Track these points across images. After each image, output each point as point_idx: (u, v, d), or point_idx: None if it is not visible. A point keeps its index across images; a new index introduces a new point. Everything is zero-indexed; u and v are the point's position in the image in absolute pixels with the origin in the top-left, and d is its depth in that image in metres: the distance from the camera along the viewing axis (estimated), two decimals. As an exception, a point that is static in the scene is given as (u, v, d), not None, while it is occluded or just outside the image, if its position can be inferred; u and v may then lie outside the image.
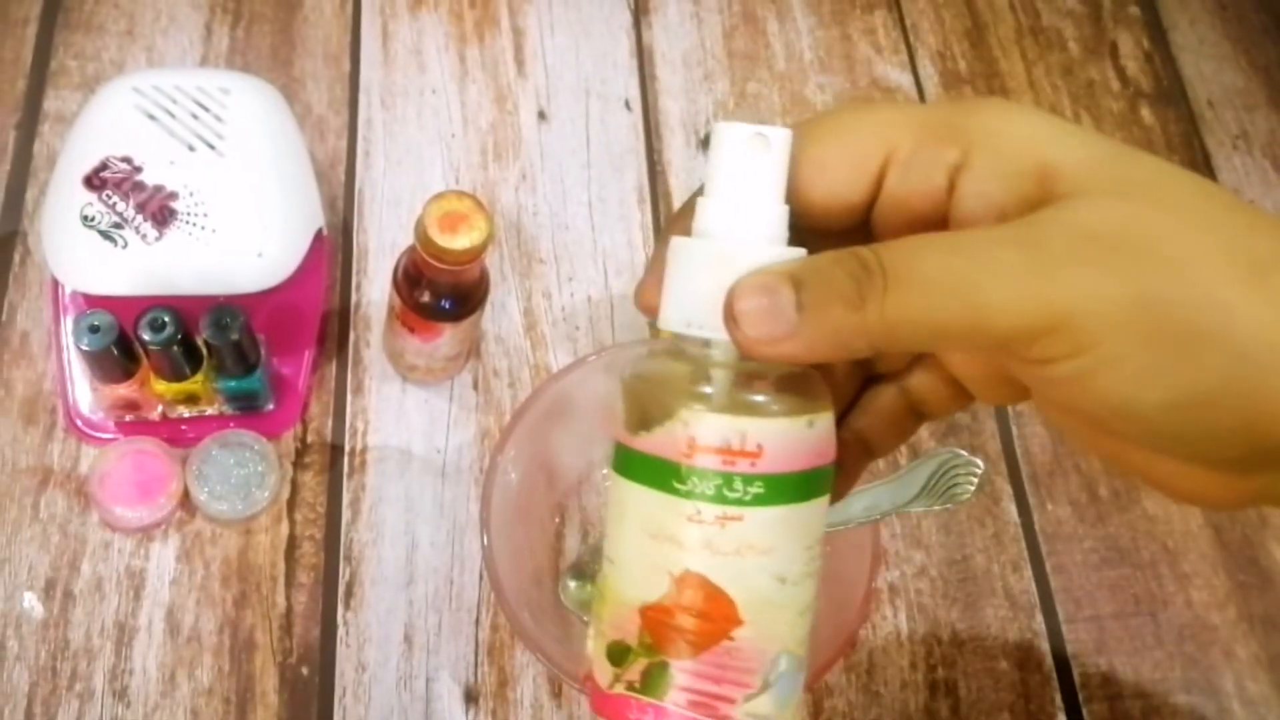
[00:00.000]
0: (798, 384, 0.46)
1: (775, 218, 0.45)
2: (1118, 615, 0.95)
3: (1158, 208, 0.40)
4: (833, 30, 1.22)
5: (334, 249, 1.03)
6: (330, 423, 0.96)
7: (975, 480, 0.76)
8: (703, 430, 0.43)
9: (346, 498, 0.94)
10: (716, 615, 0.45)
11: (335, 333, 1.00)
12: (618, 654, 0.46)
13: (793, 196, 0.45)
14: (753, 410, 0.44)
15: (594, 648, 0.47)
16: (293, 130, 0.97)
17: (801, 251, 0.44)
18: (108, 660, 0.86)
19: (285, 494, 0.93)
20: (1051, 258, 0.39)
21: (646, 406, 0.45)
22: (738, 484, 0.43)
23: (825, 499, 0.47)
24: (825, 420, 0.46)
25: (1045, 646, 0.93)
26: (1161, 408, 0.40)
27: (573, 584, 0.89)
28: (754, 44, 1.20)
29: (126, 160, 0.88)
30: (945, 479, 0.77)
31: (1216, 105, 1.22)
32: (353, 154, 1.09)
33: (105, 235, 0.85)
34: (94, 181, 0.87)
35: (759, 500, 0.44)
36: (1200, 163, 1.18)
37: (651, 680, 0.45)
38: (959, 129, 0.43)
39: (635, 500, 0.45)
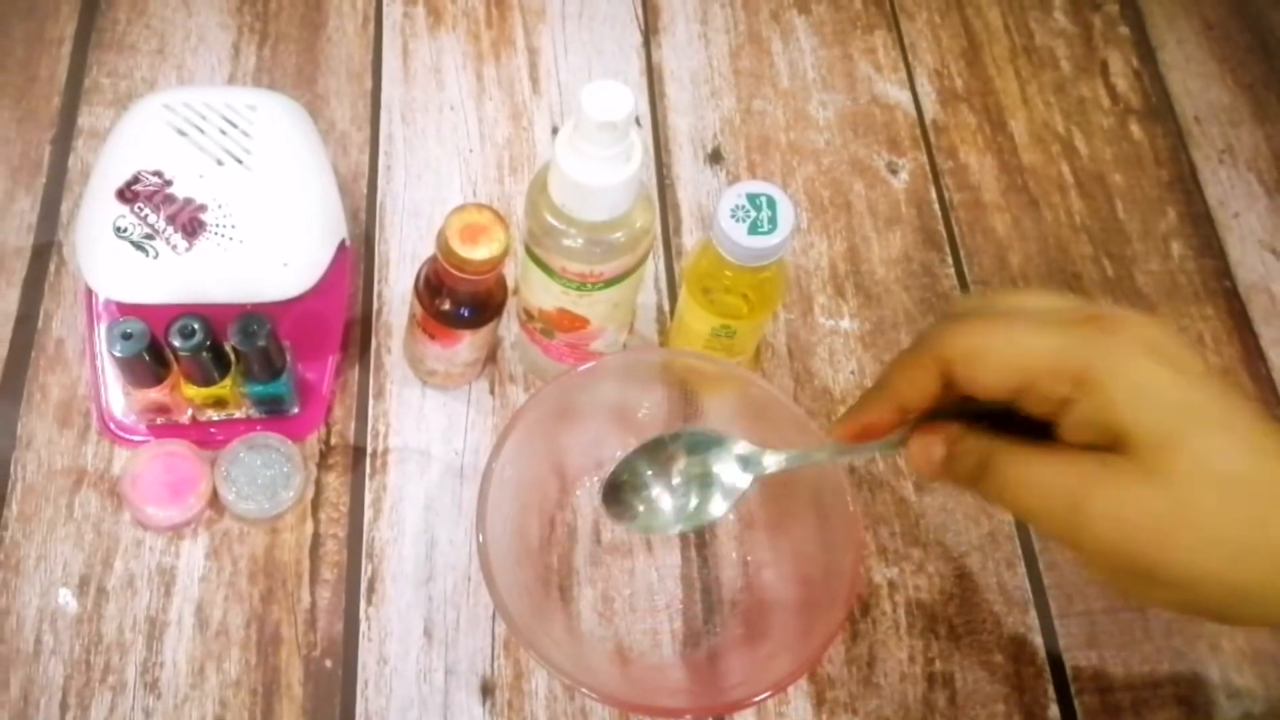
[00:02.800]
0: None
1: None
2: (1108, 610, 0.94)
3: (1169, 494, 0.52)
4: (834, 50, 1.22)
5: (356, 259, 1.03)
6: (353, 425, 0.96)
7: None
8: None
9: (368, 498, 0.93)
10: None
11: (358, 339, 1.00)
12: None
13: (949, 384, 0.59)
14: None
15: None
16: (317, 145, 0.97)
17: None
18: (139, 654, 0.86)
19: (310, 494, 0.93)
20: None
21: None
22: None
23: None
24: None
25: (1038, 641, 0.93)
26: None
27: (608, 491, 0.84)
28: (759, 63, 1.20)
29: (158, 174, 0.87)
30: None
31: (1203, 121, 1.22)
32: (374, 168, 1.08)
33: (137, 246, 0.85)
34: (126, 194, 0.87)
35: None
36: (1187, 176, 1.17)
37: None
38: (1077, 374, 0.53)
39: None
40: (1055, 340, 0.54)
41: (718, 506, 0.79)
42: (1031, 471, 0.55)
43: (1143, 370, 0.52)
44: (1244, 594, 0.53)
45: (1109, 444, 0.53)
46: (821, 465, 0.81)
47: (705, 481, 0.79)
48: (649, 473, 0.82)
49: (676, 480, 0.81)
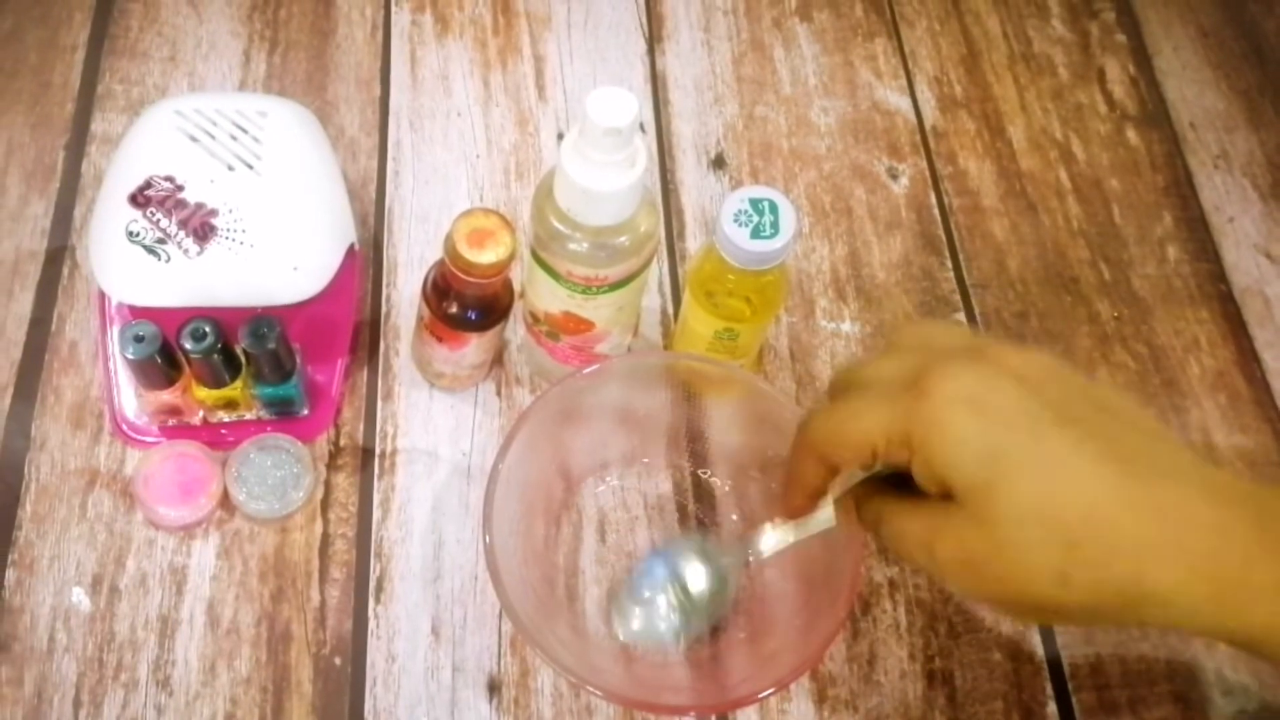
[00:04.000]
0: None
1: None
2: (1105, 609, 0.94)
3: (985, 529, 0.57)
4: (835, 57, 1.22)
5: (365, 263, 1.03)
6: (362, 427, 0.96)
7: None
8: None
9: (377, 498, 0.93)
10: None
11: (366, 342, 1.00)
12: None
13: (822, 459, 0.65)
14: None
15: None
16: (326, 151, 0.97)
17: None
18: (151, 651, 0.86)
19: (319, 494, 0.93)
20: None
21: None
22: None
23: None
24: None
25: (1036, 639, 0.93)
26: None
27: (619, 617, 0.88)
28: (761, 70, 1.20)
29: (169, 179, 0.87)
30: None
31: (1198, 127, 1.22)
32: (383, 173, 1.08)
33: (149, 250, 0.85)
34: (138, 199, 0.87)
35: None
36: (1183, 181, 1.17)
37: None
38: (911, 438, 0.58)
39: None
40: (884, 414, 0.60)
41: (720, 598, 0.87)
42: (902, 524, 0.62)
43: (953, 426, 0.57)
44: (1089, 610, 0.58)
45: (946, 493, 0.59)
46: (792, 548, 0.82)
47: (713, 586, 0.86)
48: (658, 595, 0.87)
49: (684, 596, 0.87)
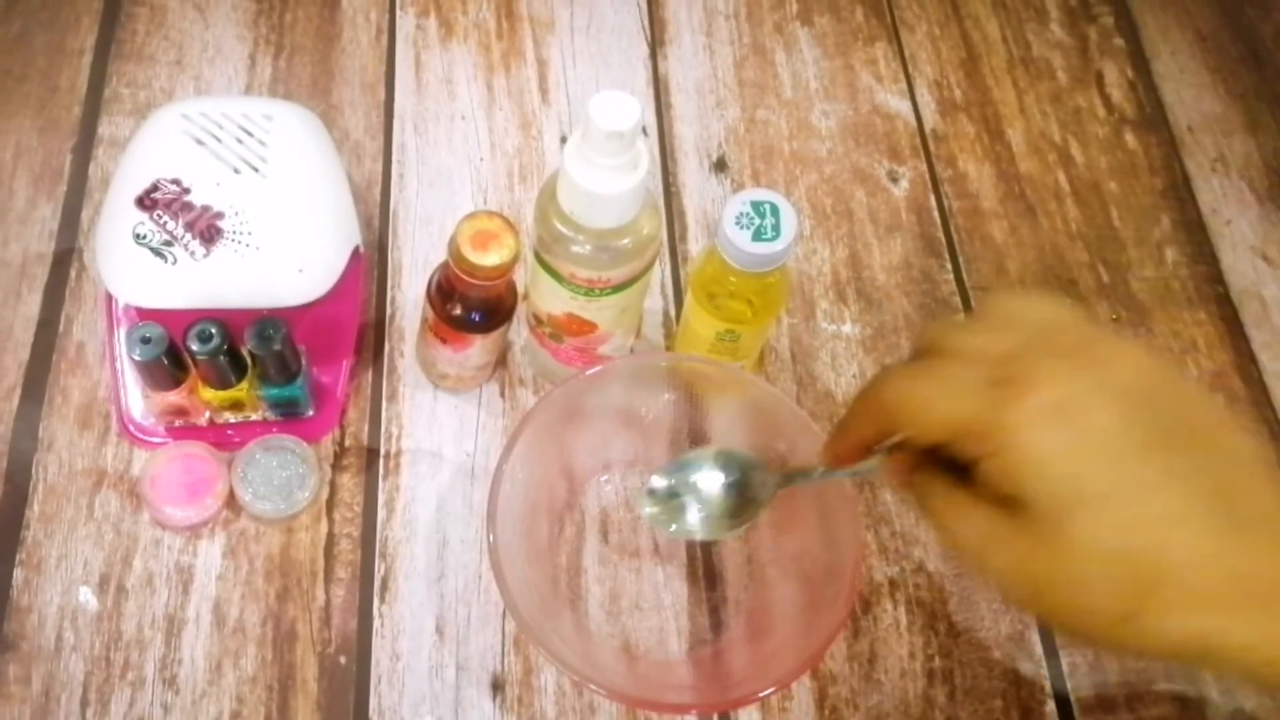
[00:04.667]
0: None
1: None
2: (1104, 609, 0.94)
3: (1052, 548, 0.54)
4: (836, 61, 1.22)
5: (370, 265, 1.03)
6: (366, 428, 0.96)
7: None
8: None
9: (382, 498, 0.93)
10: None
11: (371, 343, 1.00)
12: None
13: (887, 419, 0.61)
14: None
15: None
16: (331, 154, 0.97)
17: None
18: (158, 650, 0.86)
19: (324, 494, 0.93)
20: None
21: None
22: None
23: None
24: None
25: (1035, 637, 0.93)
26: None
27: (651, 493, 0.87)
28: (763, 73, 1.20)
29: (176, 182, 0.87)
30: None
31: (1196, 130, 1.22)
32: (387, 176, 1.09)
33: (156, 252, 0.85)
34: (145, 202, 0.87)
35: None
36: (1181, 184, 1.17)
37: None
38: (992, 436, 0.54)
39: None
40: (969, 404, 0.55)
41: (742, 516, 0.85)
42: (957, 517, 0.59)
43: (1039, 441, 0.53)
44: (1149, 651, 0.55)
45: (1014, 501, 0.55)
46: (822, 481, 0.82)
47: (739, 493, 0.85)
48: (691, 480, 0.86)
49: (714, 490, 0.85)
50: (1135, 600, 0.53)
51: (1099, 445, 0.53)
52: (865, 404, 0.62)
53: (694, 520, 0.85)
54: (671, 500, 0.85)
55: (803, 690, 0.89)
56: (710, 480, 0.85)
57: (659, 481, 0.86)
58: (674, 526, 0.85)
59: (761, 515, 0.83)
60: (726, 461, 0.85)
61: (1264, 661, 0.52)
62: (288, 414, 0.94)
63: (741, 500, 0.84)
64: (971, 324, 0.61)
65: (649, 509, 0.86)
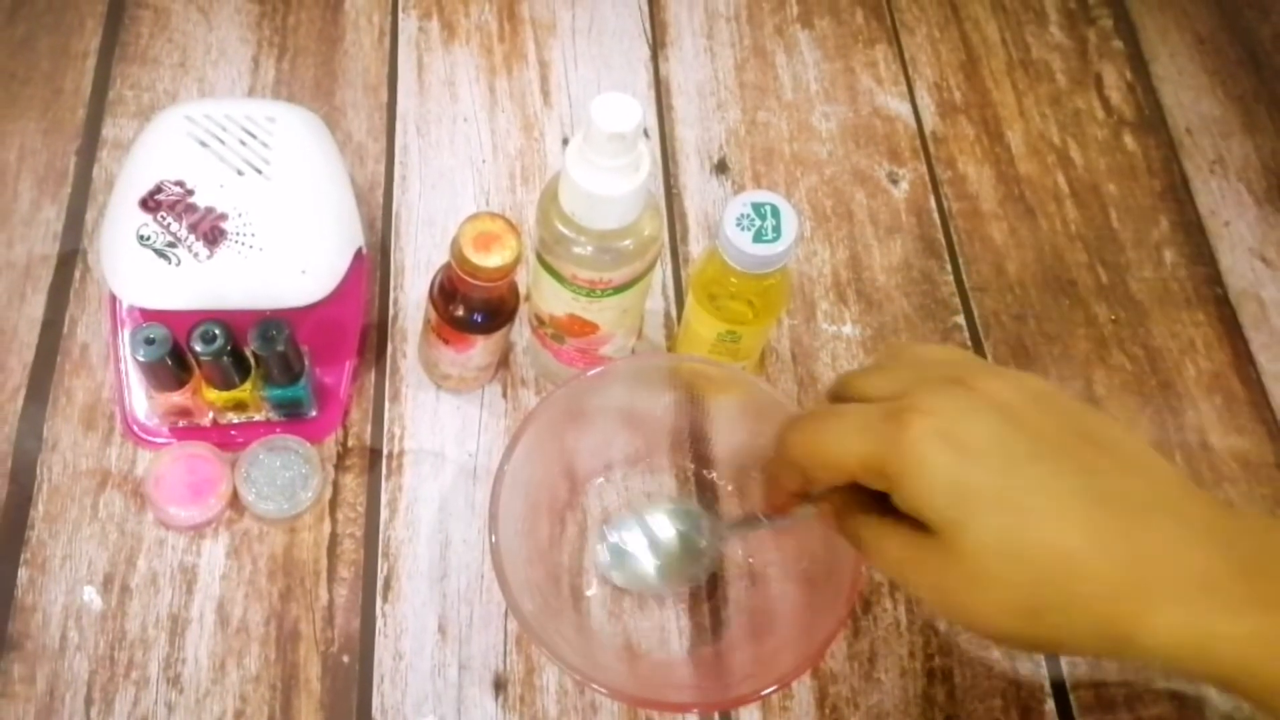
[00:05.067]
0: None
1: None
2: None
3: (958, 564, 0.57)
4: (836, 63, 1.22)
5: (373, 266, 1.03)
6: (369, 428, 0.96)
7: None
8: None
9: (384, 498, 0.93)
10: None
11: (374, 344, 1.00)
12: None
13: (798, 471, 0.64)
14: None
15: None
16: (334, 156, 0.97)
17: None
18: (162, 650, 0.86)
19: (327, 495, 0.93)
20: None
21: None
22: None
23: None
24: None
25: (1035, 637, 0.93)
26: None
27: (604, 549, 0.91)
28: (763, 76, 1.20)
29: (180, 184, 0.88)
30: None
31: (1194, 132, 1.22)
32: (390, 178, 1.09)
33: (160, 254, 0.85)
34: (149, 203, 0.87)
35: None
36: (1179, 186, 1.17)
37: None
38: (882, 473, 0.58)
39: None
40: (861, 442, 0.59)
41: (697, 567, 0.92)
42: (880, 543, 0.61)
43: (925, 463, 0.56)
44: (1063, 645, 0.59)
45: (923, 522, 0.58)
46: (771, 528, 0.88)
47: (688, 547, 0.91)
48: (646, 540, 0.92)
49: (667, 550, 0.91)
50: (1032, 595, 0.55)
51: (980, 457, 0.56)
52: (779, 460, 0.65)
53: (649, 571, 0.90)
54: (625, 553, 0.91)
55: (803, 689, 0.89)
56: (662, 529, 0.91)
57: (612, 535, 0.91)
58: (629, 578, 0.91)
59: (712, 566, 0.91)
60: (676, 514, 0.92)
61: (1179, 645, 0.53)
62: (291, 414, 0.94)
63: (693, 551, 0.90)
64: (868, 370, 0.65)
65: (603, 559, 0.91)
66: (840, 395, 0.65)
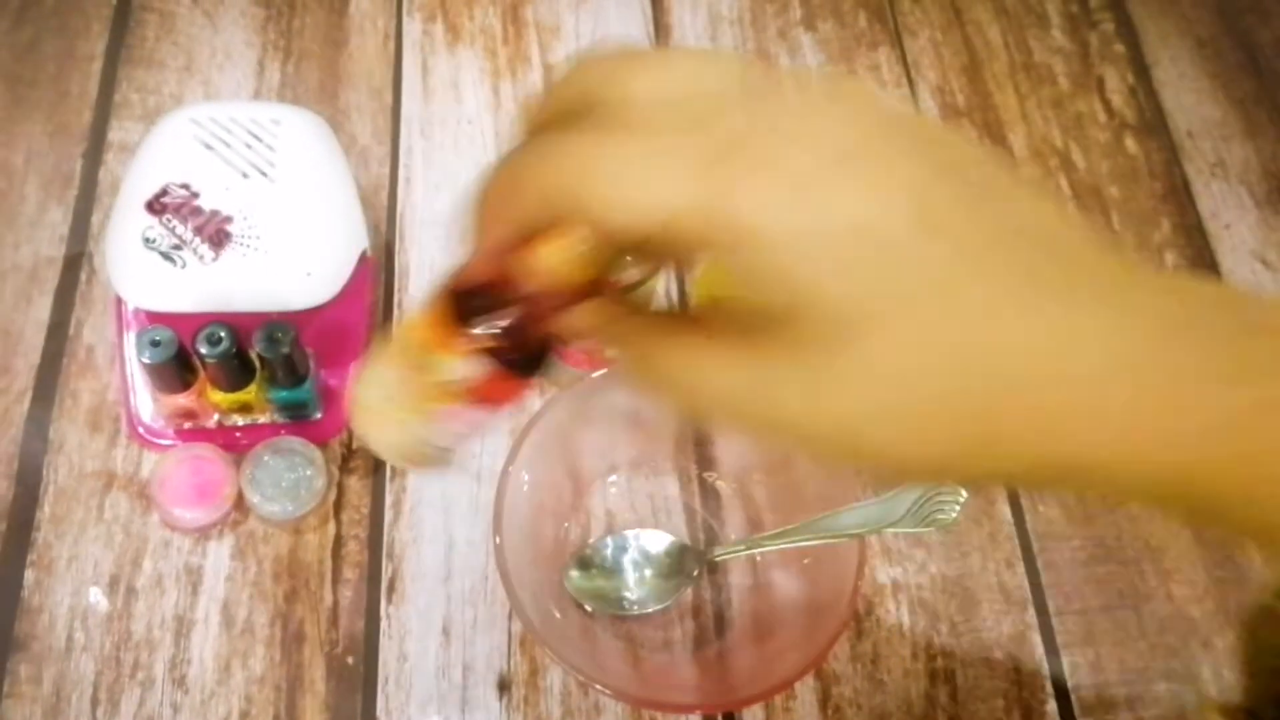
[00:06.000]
0: None
1: None
2: (1104, 609, 0.94)
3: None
4: (840, 66, 1.21)
5: (377, 268, 1.03)
6: (373, 430, 0.96)
7: (958, 507, 0.77)
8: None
9: (389, 500, 0.93)
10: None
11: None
12: None
13: (556, 218, 0.40)
14: None
15: None
16: (339, 158, 0.96)
17: None
18: (167, 650, 0.86)
19: (332, 496, 0.93)
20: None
21: None
22: None
23: None
24: None
25: (1036, 638, 0.92)
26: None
27: (576, 573, 0.89)
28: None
29: (185, 186, 0.87)
30: (930, 504, 0.77)
31: (1195, 135, 1.21)
32: (394, 180, 1.08)
33: (165, 256, 0.85)
34: (155, 206, 0.87)
35: None
36: (1180, 189, 1.17)
37: None
38: (723, 233, 0.37)
39: None
40: (687, 187, 0.38)
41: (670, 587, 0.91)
42: (694, 368, 0.42)
43: (796, 230, 0.37)
44: (979, 475, 0.43)
45: (767, 321, 0.39)
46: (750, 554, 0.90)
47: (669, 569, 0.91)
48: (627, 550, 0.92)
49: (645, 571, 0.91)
50: (984, 418, 0.39)
51: (878, 227, 0.37)
52: (520, 188, 0.41)
53: (630, 582, 0.91)
54: (605, 570, 0.91)
55: (807, 690, 0.89)
56: (653, 543, 0.92)
57: (593, 554, 0.91)
58: (605, 600, 0.90)
59: (686, 588, 0.91)
60: (654, 539, 0.92)
61: (1134, 459, 0.39)
62: (296, 416, 0.94)
63: (674, 569, 0.91)
64: (635, 72, 0.41)
65: (577, 580, 0.90)
66: (589, 107, 0.41)
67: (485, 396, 0.48)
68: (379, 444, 0.56)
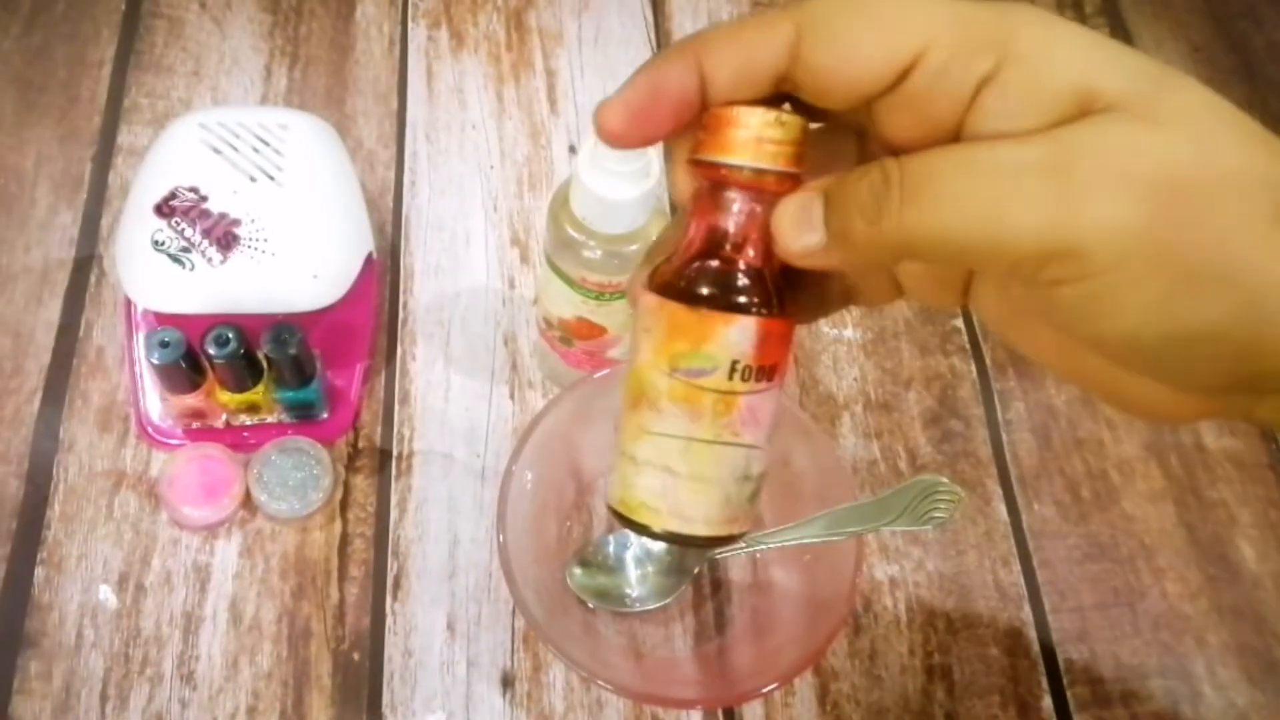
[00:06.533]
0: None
1: None
2: (1099, 606, 0.94)
3: (1191, 141, 0.37)
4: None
5: (383, 270, 1.03)
6: (379, 430, 0.96)
7: (953, 505, 0.77)
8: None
9: (394, 498, 0.93)
10: None
11: (384, 347, 1.00)
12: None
13: (811, 69, 0.40)
14: None
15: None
16: (345, 162, 0.97)
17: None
18: (176, 647, 0.86)
19: (338, 495, 0.93)
20: (1076, 186, 0.35)
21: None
22: None
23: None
24: None
25: (1032, 635, 0.93)
26: (1162, 339, 0.37)
27: (578, 570, 0.90)
28: (765, 83, 1.20)
29: (194, 190, 0.88)
30: (926, 502, 0.77)
31: (1189, 139, 1.21)
32: (400, 184, 1.09)
33: (174, 258, 0.86)
34: (164, 209, 0.87)
35: None
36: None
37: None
38: (998, 41, 0.38)
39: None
40: (961, 8, 0.39)
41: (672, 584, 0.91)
42: (951, 183, 0.37)
43: (1085, 35, 0.39)
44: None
45: (1056, 118, 0.38)
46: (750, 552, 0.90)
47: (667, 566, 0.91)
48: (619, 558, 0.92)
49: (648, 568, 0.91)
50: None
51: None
52: (758, 27, 0.40)
53: (632, 580, 0.91)
54: (607, 567, 0.91)
55: (805, 686, 0.89)
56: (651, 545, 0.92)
57: (595, 551, 0.91)
58: (607, 597, 0.90)
59: (687, 585, 0.91)
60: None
61: None
62: (303, 416, 0.94)
63: (674, 567, 0.91)
64: None
65: (579, 578, 0.90)
66: None
67: (765, 360, 0.44)
68: (690, 520, 0.46)
